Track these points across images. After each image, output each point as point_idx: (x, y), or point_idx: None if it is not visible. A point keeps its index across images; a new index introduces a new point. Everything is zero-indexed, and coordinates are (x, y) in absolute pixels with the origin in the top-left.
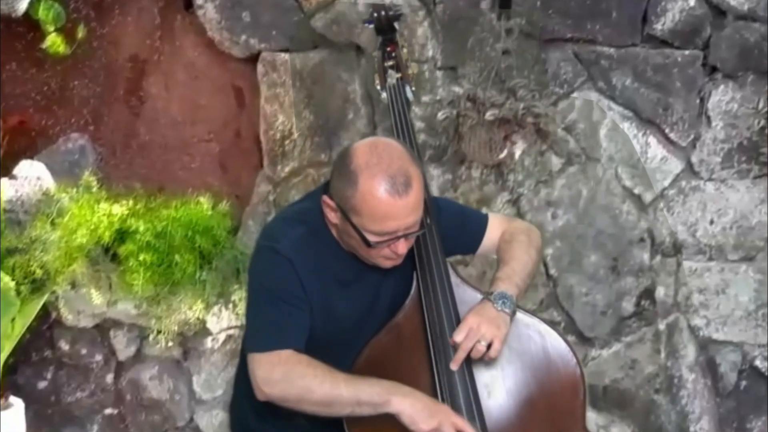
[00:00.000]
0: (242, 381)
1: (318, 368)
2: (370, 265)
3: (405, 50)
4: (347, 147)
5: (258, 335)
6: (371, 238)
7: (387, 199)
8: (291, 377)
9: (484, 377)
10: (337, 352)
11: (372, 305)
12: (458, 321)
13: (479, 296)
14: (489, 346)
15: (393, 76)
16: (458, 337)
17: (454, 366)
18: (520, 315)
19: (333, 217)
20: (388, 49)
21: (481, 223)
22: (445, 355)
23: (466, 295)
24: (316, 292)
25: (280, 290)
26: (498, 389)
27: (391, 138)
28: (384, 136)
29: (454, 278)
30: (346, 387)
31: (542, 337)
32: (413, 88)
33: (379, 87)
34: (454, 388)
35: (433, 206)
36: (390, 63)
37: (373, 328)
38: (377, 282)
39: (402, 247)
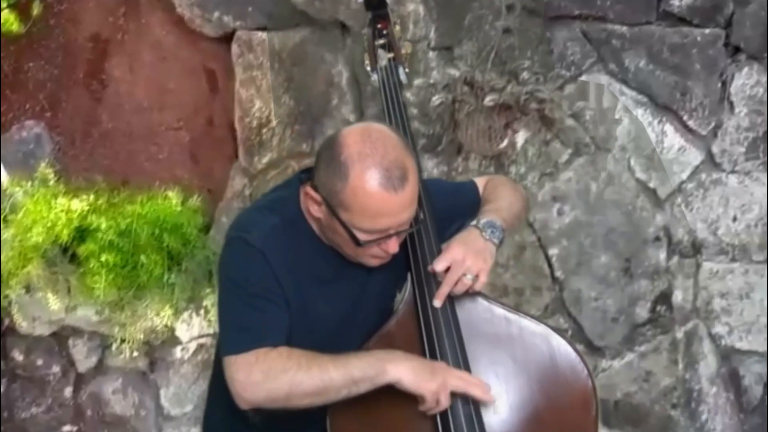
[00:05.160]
0: (215, 388)
1: (301, 357)
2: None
3: (398, 28)
4: (335, 134)
5: (231, 336)
6: (361, 237)
7: (381, 194)
8: (273, 374)
9: None
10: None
11: (356, 305)
12: (458, 333)
13: (481, 301)
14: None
15: (384, 57)
16: (439, 266)
17: (437, 302)
18: (526, 321)
19: (316, 210)
20: (379, 26)
21: (473, 190)
22: None
23: (466, 299)
24: (291, 290)
25: (252, 284)
26: (501, 403)
27: (383, 124)
28: (374, 121)
29: None
30: (335, 369)
31: (550, 346)
32: (407, 70)
33: (369, 68)
34: (454, 407)
35: (425, 193)
36: (381, 41)
37: (359, 331)
38: (362, 279)
39: (393, 245)
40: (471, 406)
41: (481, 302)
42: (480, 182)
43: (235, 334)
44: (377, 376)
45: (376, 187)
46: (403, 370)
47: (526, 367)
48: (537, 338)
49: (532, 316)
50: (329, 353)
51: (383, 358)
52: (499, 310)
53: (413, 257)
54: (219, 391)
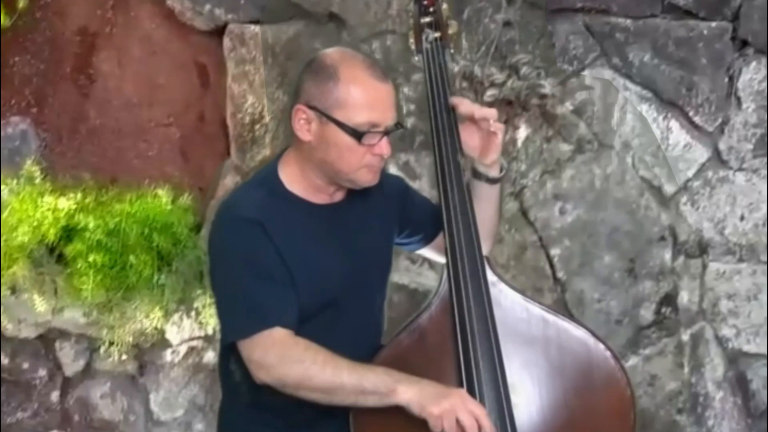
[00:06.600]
0: (227, 383)
1: (318, 353)
2: (341, 215)
3: (445, 6)
4: (312, 58)
5: (239, 319)
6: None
7: (372, 82)
8: (288, 361)
9: (517, 394)
10: (331, 320)
11: (354, 258)
12: (494, 331)
13: (519, 300)
14: None
15: (431, 36)
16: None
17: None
18: (565, 323)
19: (307, 132)
20: (425, 2)
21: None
22: (477, 370)
23: (503, 296)
24: (294, 256)
25: (255, 262)
26: (533, 409)
27: None
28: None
29: (490, 276)
30: (349, 374)
31: (588, 351)
32: (452, 51)
33: (414, 48)
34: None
35: (410, 190)
36: (427, 19)
37: (366, 286)
38: (353, 232)
39: (386, 147)
40: (505, 407)
41: (519, 300)
42: None
43: (243, 316)
44: (387, 395)
45: (367, 76)
46: (412, 393)
47: (562, 370)
48: (575, 341)
49: (573, 319)
50: (343, 311)
51: (398, 379)
52: (537, 310)
53: (449, 249)
54: (229, 385)
